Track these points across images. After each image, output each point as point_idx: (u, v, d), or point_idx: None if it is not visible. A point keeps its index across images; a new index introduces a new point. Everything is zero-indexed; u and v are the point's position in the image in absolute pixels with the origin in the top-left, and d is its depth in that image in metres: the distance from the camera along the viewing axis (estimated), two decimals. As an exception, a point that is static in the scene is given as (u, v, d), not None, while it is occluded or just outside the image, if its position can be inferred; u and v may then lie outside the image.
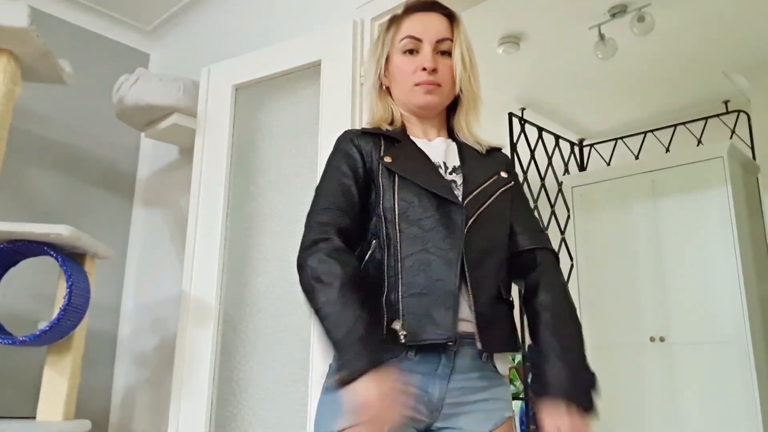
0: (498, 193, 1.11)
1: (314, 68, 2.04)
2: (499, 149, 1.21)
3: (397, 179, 1.07)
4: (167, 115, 2.39)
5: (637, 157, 4.12)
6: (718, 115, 3.89)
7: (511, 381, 4.66)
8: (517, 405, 4.81)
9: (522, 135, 3.92)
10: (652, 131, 4.14)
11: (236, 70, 2.26)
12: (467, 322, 1.02)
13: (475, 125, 1.19)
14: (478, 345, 1.01)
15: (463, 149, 1.16)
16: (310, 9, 2.29)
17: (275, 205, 2.10)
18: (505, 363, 1.10)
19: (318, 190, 1.09)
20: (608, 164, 4.28)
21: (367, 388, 0.88)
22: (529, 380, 3.67)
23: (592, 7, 3.08)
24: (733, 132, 3.81)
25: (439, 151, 1.14)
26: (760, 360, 3.07)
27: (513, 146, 3.84)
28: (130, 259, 2.83)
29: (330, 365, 1.05)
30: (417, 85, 1.14)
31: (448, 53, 1.16)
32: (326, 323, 0.94)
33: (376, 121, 1.18)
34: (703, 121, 3.93)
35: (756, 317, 3.17)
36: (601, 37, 3.22)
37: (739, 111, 3.83)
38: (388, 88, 1.20)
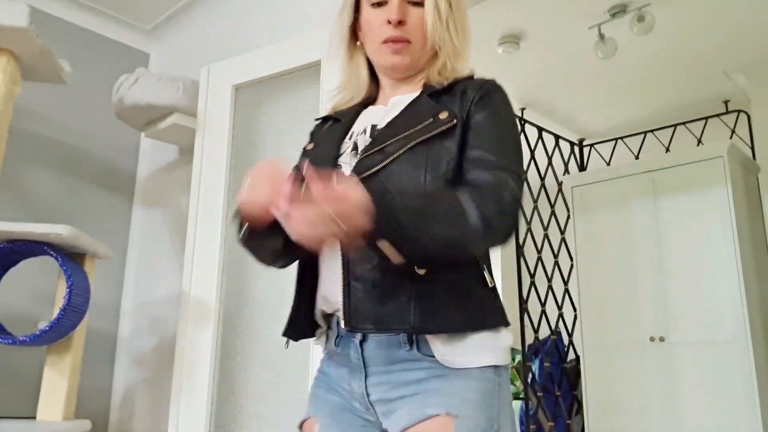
0: (412, 144, 0.90)
1: (314, 68, 2.04)
2: (468, 77, 1.00)
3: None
4: (167, 115, 2.39)
5: (637, 157, 4.12)
6: (718, 115, 3.89)
7: (512, 381, 4.66)
8: (516, 405, 4.81)
9: (522, 135, 3.92)
10: (652, 131, 4.14)
11: (236, 70, 2.26)
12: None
13: (450, 74, 1.00)
14: (342, 323, 0.88)
15: (416, 102, 0.98)
16: (310, 9, 2.29)
17: (275, 204, 2.10)
18: (465, 349, 0.86)
19: None
20: (608, 164, 4.28)
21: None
22: (528, 379, 3.67)
23: (592, 7, 3.08)
24: (733, 132, 3.80)
25: (376, 115, 1.01)
26: (760, 360, 3.07)
27: (513, 146, 3.84)
28: (129, 259, 2.83)
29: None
30: (384, 42, 1.00)
31: (422, 3, 0.99)
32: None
33: (342, 88, 1.09)
34: (703, 121, 3.93)
35: (756, 317, 3.17)
36: (601, 36, 3.22)
37: (739, 111, 3.83)
38: (363, 44, 1.06)
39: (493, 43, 3.35)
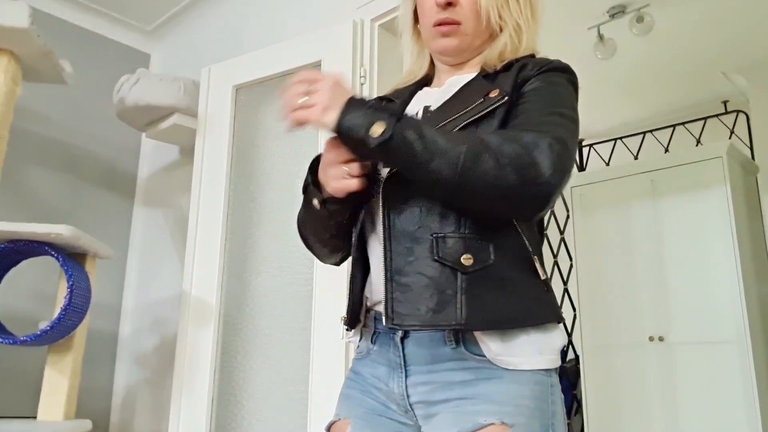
0: (461, 126, 0.85)
1: (314, 68, 2.05)
2: (529, 56, 0.94)
3: None
4: (168, 116, 2.40)
5: (636, 158, 4.13)
6: (717, 115, 3.90)
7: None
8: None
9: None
10: (651, 131, 4.15)
11: (237, 71, 2.26)
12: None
13: (509, 55, 0.93)
14: (384, 319, 0.82)
15: (471, 83, 0.93)
16: (311, 9, 2.29)
17: (275, 205, 2.10)
18: (518, 348, 0.81)
19: None
20: (607, 164, 4.29)
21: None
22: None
23: (592, 8, 3.08)
24: (732, 132, 3.81)
25: (430, 97, 0.97)
26: (759, 360, 3.08)
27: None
28: (130, 259, 2.84)
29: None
30: (433, 26, 0.94)
31: None
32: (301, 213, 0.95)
33: (406, 72, 1.07)
34: (702, 121, 3.94)
35: (755, 317, 3.17)
36: (601, 37, 3.23)
37: (738, 111, 3.83)
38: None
39: (493, 44, 3.35)
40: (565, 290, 3.96)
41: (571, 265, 3.87)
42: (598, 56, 3.28)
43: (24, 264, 2.00)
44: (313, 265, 1.87)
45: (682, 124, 4.00)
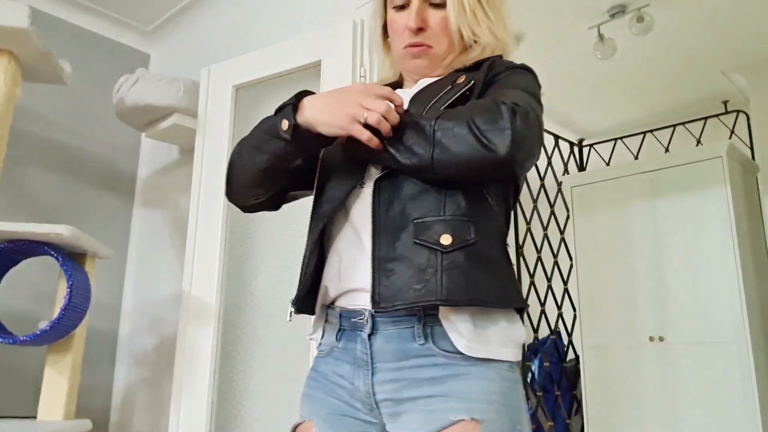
0: (442, 107, 0.89)
1: (314, 68, 2.05)
2: (497, 56, 0.98)
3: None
4: (167, 116, 2.40)
5: (636, 157, 4.13)
6: (717, 115, 3.90)
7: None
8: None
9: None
10: (651, 131, 4.14)
11: (236, 71, 2.26)
12: (365, 293, 0.85)
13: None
14: (370, 304, 0.83)
15: (441, 79, 0.97)
16: (310, 9, 2.29)
17: (275, 205, 2.10)
18: (488, 336, 0.82)
19: None
20: (607, 164, 4.28)
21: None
22: (528, 379, 3.67)
23: (592, 8, 3.08)
24: (732, 132, 3.81)
25: (402, 95, 0.98)
26: (759, 360, 3.08)
27: (512, 146, 3.84)
28: (130, 259, 2.84)
29: None
30: (405, 48, 0.99)
31: (443, 4, 0.96)
32: (249, 143, 0.96)
33: (381, 81, 1.10)
34: (702, 121, 3.94)
35: (755, 317, 3.17)
36: (601, 37, 3.23)
37: (738, 111, 3.83)
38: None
39: (493, 44, 3.35)
40: (565, 290, 3.96)
41: (571, 265, 3.87)
42: (598, 56, 3.28)
43: (24, 264, 2.00)
44: (312, 265, 1.86)
45: (683, 123, 4.00)
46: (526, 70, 0.95)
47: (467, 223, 0.83)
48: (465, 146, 0.78)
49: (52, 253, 1.78)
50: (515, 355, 0.85)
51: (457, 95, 0.89)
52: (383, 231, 0.85)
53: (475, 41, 0.98)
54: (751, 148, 3.65)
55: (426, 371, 0.82)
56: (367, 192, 0.89)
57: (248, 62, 2.23)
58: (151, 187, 2.89)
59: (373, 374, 0.85)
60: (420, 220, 0.83)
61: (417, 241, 0.82)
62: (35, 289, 2.44)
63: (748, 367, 3.02)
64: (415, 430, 0.81)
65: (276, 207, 1.03)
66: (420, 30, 0.96)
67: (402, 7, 0.99)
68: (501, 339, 0.83)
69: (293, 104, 0.88)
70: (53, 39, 2.63)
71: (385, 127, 0.82)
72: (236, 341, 2.08)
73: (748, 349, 3.03)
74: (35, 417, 1.85)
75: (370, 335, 0.85)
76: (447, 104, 0.88)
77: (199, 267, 2.16)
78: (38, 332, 1.72)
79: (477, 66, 0.96)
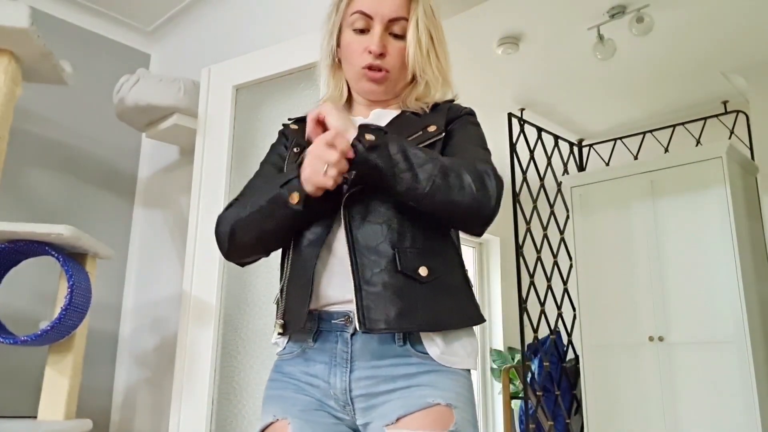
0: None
1: (314, 69, 2.04)
2: (449, 101, 1.09)
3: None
4: (168, 116, 2.40)
5: (636, 158, 4.13)
6: (716, 116, 3.90)
7: (511, 380, 4.67)
8: (516, 404, 4.81)
9: (521, 135, 3.92)
10: (651, 131, 4.15)
11: (236, 71, 2.26)
12: (351, 303, 0.92)
13: (429, 99, 1.07)
14: (357, 325, 0.89)
15: (401, 116, 1.05)
16: (310, 9, 2.29)
17: (275, 205, 2.10)
18: (456, 350, 0.93)
19: (246, 183, 1.11)
20: (607, 164, 4.29)
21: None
22: (528, 379, 3.68)
23: (591, 8, 3.09)
24: (731, 132, 3.81)
25: (368, 121, 1.05)
26: (758, 360, 3.08)
27: (512, 146, 3.85)
28: (131, 259, 2.84)
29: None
30: (363, 68, 1.04)
31: (403, 35, 1.04)
32: (252, 211, 0.97)
33: (326, 99, 1.13)
34: (701, 122, 3.94)
35: (755, 317, 3.18)
36: (600, 37, 3.23)
37: (737, 111, 3.84)
38: (341, 62, 1.11)
39: (493, 44, 3.36)
40: (565, 290, 3.97)
41: (571, 265, 3.87)
42: (598, 56, 3.28)
43: (24, 264, 2.00)
44: (312, 265, 1.87)
45: (682, 124, 4.00)
46: (473, 114, 1.08)
47: (437, 256, 0.95)
48: (464, 193, 0.89)
49: (53, 253, 1.78)
50: (473, 364, 0.97)
51: (428, 142, 0.99)
52: (362, 254, 0.92)
53: (420, 76, 1.06)
54: (751, 149, 3.66)
55: (401, 369, 0.91)
56: (339, 213, 0.95)
57: (249, 62, 2.23)
58: (151, 188, 2.89)
59: (351, 371, 0.92)
60: (400, 250, 0.92)
61: (399, 270, 0.90)
62: (36, 290, 2.44)
63: (747, 366, 3.03)
64: (392, 413, 0.88)
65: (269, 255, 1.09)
66: (381, 55, 1.03)
67: (362, 31, 1.05)
68: (465, 351, 0.95)
69: (297, 176, 0.92)
70: (53, 39, 2.64)
71: (342, 170, 0.88)
72: (236, 341, 2.09)
73: (748, 349, 3.03)
74: (36, 417, 1.86)
75: (352, 335, 0.92)
76: (423, 146, 0.96)
77: (200, 267, 2.16)
78: (39, 332, 1.72)
79: (433, 108, 1.06)
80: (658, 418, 3.30)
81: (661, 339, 3.35)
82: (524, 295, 3.66)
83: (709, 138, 3.88)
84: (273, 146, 1.14)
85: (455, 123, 1.04)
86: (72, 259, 1.84)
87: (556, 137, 4.14)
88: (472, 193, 0.88)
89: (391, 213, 0.94)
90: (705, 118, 3.92)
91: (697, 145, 3.91)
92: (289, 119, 1.16)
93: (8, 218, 2.35)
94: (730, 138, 3.77)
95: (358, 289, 0.90)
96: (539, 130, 4.02)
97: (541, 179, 3.98)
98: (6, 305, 2.32)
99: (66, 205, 2.66)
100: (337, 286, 0.94)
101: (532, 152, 3.94)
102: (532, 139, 4.00)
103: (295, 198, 0.91)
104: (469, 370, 0.96)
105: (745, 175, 3.52)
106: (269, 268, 2.06)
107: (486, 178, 0.90)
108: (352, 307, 0.91)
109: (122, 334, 2.76)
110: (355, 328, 0.91)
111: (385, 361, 0.91)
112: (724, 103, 3.94)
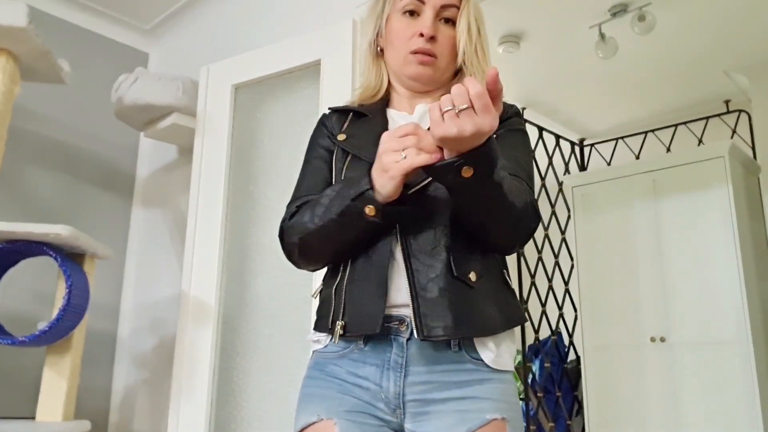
0: None
1: (314, 67, 2.04)
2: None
3: (349, 157, 1.00)
4: (166, 115, 2.39)
5: (637, 157, 4.12)
6: (719, 115, 3.89)
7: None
8: (517, 405, 4.80)
9: (522, 135, 3.91)
10: (652, 131, 4.13)
11: (236, 70, 2.25)
12: (407, 307, 0.91)
13: None
14: (415, 332, 0.88)
15: None
16: (310, 8, 2.28)
17: (275, 205, 2.10)
18: (503, 353, 0.95)
19: (297, 181, 1.07)
20: (609, 164, 4.27)
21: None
22: (529, 380, 3.67)
23: (593, 7, 3.07)
24: (734, 132, 3.80)
25: (405, 120, 1.03)
26: (760, 360, 3.07)
27: (513, 146, 3.83)
28: (129, 259, 2.83)
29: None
30: (412, 53, 1.01)
31: (453, 22, 1.02)
32: (323, 224, 0.93)
33: (364, 88, 1.11)
34: (704, 121, 3.92)
35: (757, 317, 3.16)
36: (602, 36, 3.22)
37: (740, 110, 3.82)
38: (383, 51, 1.09)
39: (494, 43, 3.35)
40: (566, 290, 3.95)
41: (572, 265, 3.86)
42: (600, 55, 3.27)
43: (22, 264, 1.99)
44: (312, 265, 1.86)
45: (684, 123, 3.99)
46: (523, 127, 1.06)
47: (484, 261, 0.95)
48: (521, 226, 0.92)
49: (51, 253, 1.77)
50: (513, 365, 0.99)
51: None
52: (417, 260, 0.91)
53: (465, 68, 1.03)
54: (753, 148, 3.64)
55: (455, 375, 0.91)
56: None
57: (248, 61, 2.22)
58: (150, 187, 2.88)
59: (405, 376, 0.91)
60: (454, 255, 0.91)
61: (455, 275, 0.90)
62: (34, 290, 2.43)
63: (749, 367, 3.01)
64: (451, 428, 0.88)
65: None
66: (431, 38, 1.00)
67: (412, 13, 1.03)
68: (509, 354, 0.96)
69: (371, 187, 0.89)
70: (52, 38, 2.63)
71: (428, 147, 0.84)
72: (236, 341, 2.07)
73: (750, 350, 3.02)
74: (34, 418, 1.85)
75: (407, 340, 0.92)
76: None
77: (199, 267, 2.15)
78: (37, 333, 1.71)
79: None
80: (659, 419, 3.28)
81: (662, 339, 3.33)
82: (525, 295, 3.64)
83: (712, 137, 3.86)
84: (314, 138, 1.10)
85: (506, 124, 1.01)
86: (70, 259, 1.83)
87: (558, 137, 4.12)
88: (525, 217, 0.91)
89: (442, 218, 0.93)
90: (707, 118, 3.90)
91: (699, 145, 3.89)
92: (330, 108, 1.13)
93: (6, 218, 2.33)
94: (732, 137, 3.75)
95: (414, 296, 0.89)
96: (540, 129, 4.01)
97: (543, 179, 3.97)
98: (4, 306, 2.31)
99: (64, 204, 2.65)
100: (391, 290, 0.92)
101: (533, 152, 3.92)
102: (533, 139, 3.97)
103: (371, 211, 0.88)
104: (512, 371, 0.98)
105: (748, 175, 3.50)
106: (268, 267, 2.05)
107: (532, 203, 0.93)
108: (407, 312, 0.91)
109: (121, 335, 2.75)
110: (411, 333, 0.91)
111: (440, 366, 0.91)
112: (727, 102, 3.92)
